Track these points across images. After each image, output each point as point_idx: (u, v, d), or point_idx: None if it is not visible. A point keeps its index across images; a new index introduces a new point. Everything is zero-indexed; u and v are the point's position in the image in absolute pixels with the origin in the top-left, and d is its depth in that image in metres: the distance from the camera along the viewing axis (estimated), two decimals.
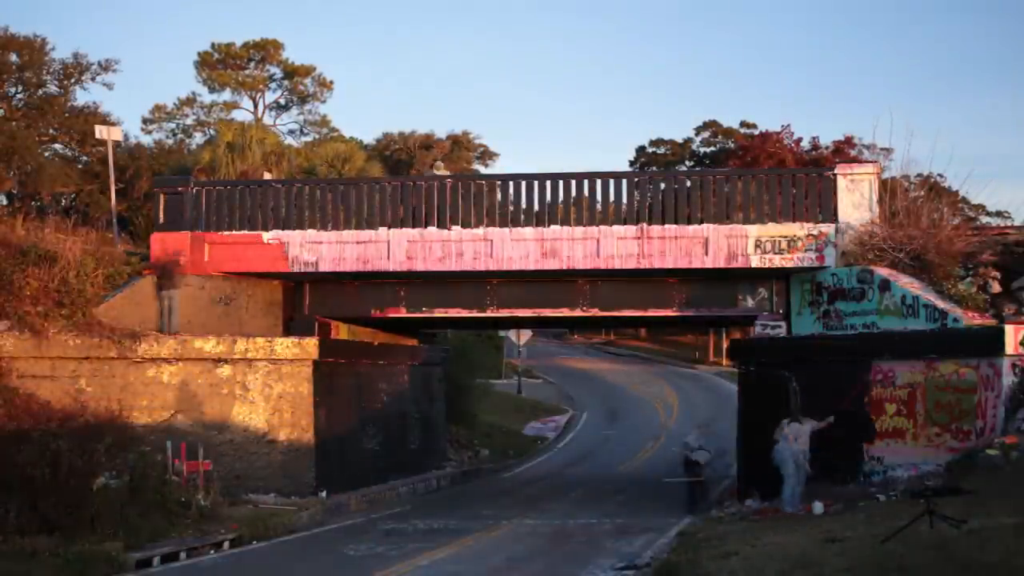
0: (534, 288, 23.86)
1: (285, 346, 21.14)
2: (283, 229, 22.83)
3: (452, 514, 21.02)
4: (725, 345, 52.94)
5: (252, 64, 55.76)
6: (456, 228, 22.44)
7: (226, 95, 54.79)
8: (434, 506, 22.93)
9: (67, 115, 38.09)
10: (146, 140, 47.98)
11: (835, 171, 22.08)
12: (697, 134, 66.08)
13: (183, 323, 21.86)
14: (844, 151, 48.21)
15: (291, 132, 56.78)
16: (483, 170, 61.99)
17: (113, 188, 28.33)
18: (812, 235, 21.46)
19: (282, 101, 57.32)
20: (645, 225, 21.99)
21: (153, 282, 21.98)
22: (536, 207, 22.66)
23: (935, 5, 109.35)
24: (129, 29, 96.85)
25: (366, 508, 21.88)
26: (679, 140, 67.38)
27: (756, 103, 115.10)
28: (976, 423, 16.57)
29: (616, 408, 49.55)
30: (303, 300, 24.65)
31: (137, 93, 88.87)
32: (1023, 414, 15.87)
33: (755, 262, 21.64)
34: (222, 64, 54.80)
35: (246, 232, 22.86)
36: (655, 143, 68.63)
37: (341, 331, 25.72)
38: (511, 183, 22.90)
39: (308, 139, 55.62)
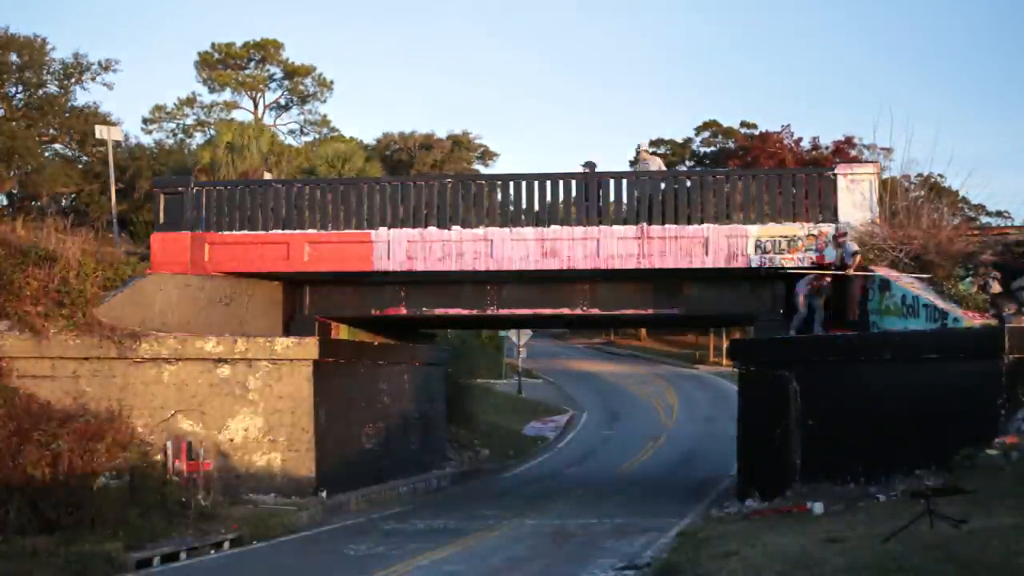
0: (534, 288, 23.87)
1: (285, 346, 21.13)
2: (283, 229, 22.82)
3: (452, 514, 21.01)
4: (725, 345, 52.96)
5: (252, 64, 55.83)
6: (456, 228, 22.43)
7: (226, 95, 54.90)
8: (434, 506, 22.93)
9: (67, 115, 38.10)
10: (146, 140, 48.05)
11: (835, 171, 22.09)
12: (697, 134, 66.19)
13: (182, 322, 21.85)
14: (844, 151, 48.26)
15: (291, 132, 56.89)
16: (483, 170, 62.00)
17: (113, 188, 28.34)
18: (812, 235, 21.47)
19: (282, 101, 57.40)
20: (645, 225, 21.99)
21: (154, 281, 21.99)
22: (536, 207, 22.66)
23: (935, 5, 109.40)
24: (129, 29, 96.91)
25: (366, 508, 21.87)
26: (679, 140, 67.48)
27: (756, 103, 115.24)
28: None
29: (616, 408, 49.55)
30: (303, 300, 24.66)
31: (137, 93, 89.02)
32: (1023, 414, 15.86)
33: (755, 262, 21.65)
34: (222, 64, 54.87)
35: (246, 232, 22.85)
36: (655, 143, 68.67)
37: (341, 331, 25.73)
38: (511, 183, 22.89)
39: (308, 139, 55.71)
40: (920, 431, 16.83)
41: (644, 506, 22.51)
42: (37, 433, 17.12)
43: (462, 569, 14.68)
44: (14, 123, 36.53)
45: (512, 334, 52.50)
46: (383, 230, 22.56)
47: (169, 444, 19.63)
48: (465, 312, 24.37)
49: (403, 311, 24.28)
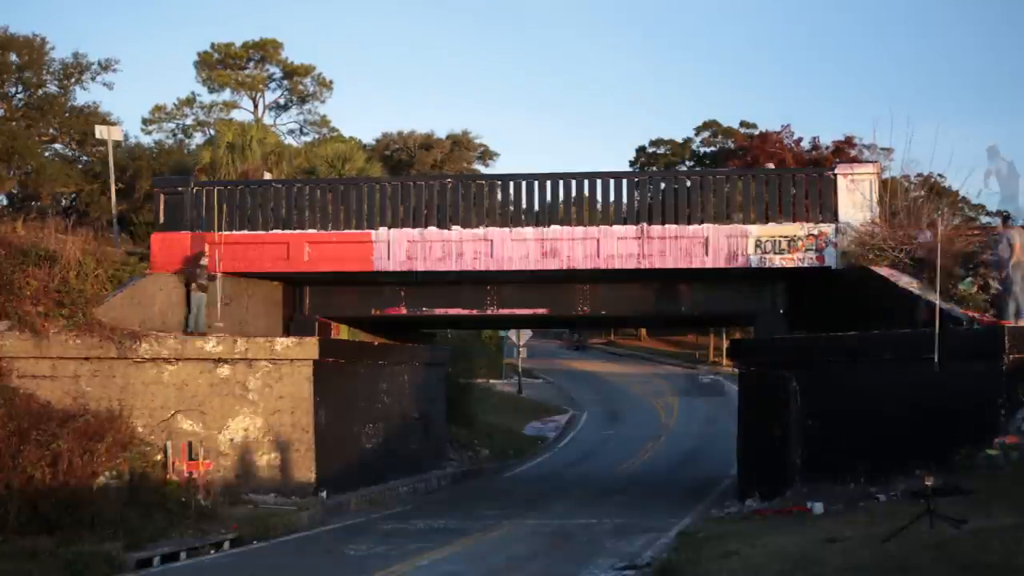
0: (534, 288, 23.87)
1: (285, 346, 21.12)
2: (283, 229, 22.83)
3: (452, 514, 21.00)
4: (725, 345, 52.97)
5: (252, 64, 55.77)
6: (456, 228, 22.43)
7: (226, 95, 54.80)
8: (434, 506, 22.92)
9: (67, 115, 38.09)
10: (146, 140, 47.99)
11: (835, 171, 22.09)
12: (697, 134, 66.19)
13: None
14: (844, 151, 48.28)
15: (291, 132, 56.82)
16: (483, 170, 62.00)
17: (113, 188, 28.32)
18: (812, 235, 21.46)
19: (282, 101, 57.34)
20: (645, 225, 21.99)
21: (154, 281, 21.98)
22: (536, 207, 22.66)
23: (935, 5, 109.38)
24: (129, 29, 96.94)
25: (366, 508, 21.86)
26: (679, 140, 67.51)
27: (756, 103, 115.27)
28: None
29: (616, 408, 49.55)
30: (303, 300, 24.66)
31: (137, 93, 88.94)
32: (1023, 414, 15.85)
33: (755, 262, 21.64)
34: (222, 64, 54.79)
35: (246, 232, 22.84)
36: (655, 143, 68.73)
37: (341, 331, 25.73)
38: (511, 183, 22.90)
39: (308, 139, 55.64)
40: (920, 431, 16.83)
41: (644, 506, 22.50)
42: (37, 433, 17.09)
43: (462, 569, 14.68)
44: (14, 123, 36.53)
45: (512, 334, 52.52)
46: (383, 230, 22.56)
47: (169, 444, 19.62)
48: (465, 312, 24.37)
49: (403, 311, 24.28)
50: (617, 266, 22.05)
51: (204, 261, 21.82)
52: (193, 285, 21.67)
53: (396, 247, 22.44)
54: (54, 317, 20.31)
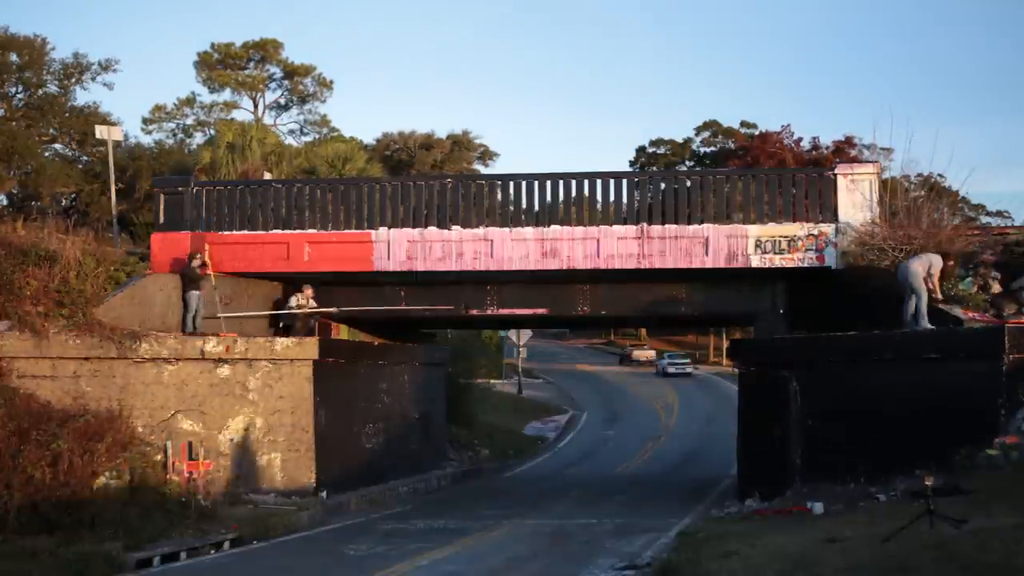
0: (534, 288, 23.87)
1: (285, 346, 21.11)
2: (283, 229, 22.83)
3: (452, 514, 21.00)
4: (725, 345, 53.02)
5: (252, 64, 55.89)
6: (456, 228, 22.43)
7: (226, 95, 54.98)
8: (434, 506, 22.92)
9: (67, 115, 38.14)
10: (146, 140, 48.14)
11: (835, 171, 22.09)
12: (697, 134, 66.35)
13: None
14: (844, 151, 48.40)
15: (291, 132, 56.94)
16: (483, 170, 62.08)
17: (113, 188, 28.32)
18: (812, 235, 21.47)
19: (282, 101, 57.44)
20: (645, 225, 21.99)
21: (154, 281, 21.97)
22: (536, 207, 22.67)
23: (935, 6, 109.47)
24: (129, 29, 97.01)
25: (366, 508, 21.85)
26: (679, 140, 67.64)
27: (756, 103, 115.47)
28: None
29: (616, 408, 49.60)
30: None
31: (137, 93, 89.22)
32: (1023, 414, 15.85)
33: (755, 262, 21.64)
34: (222, 64, 54.92)
35: (246, 232, 22.84)
36: (655, 143, 68.89)
37: (341, 331, 25.73)
38: (511, 183, 22.90)
39: (308, 139, 55.74)
40: (920, 431, 16.84)
41: (644, 506, 22.50)
42: (37, 433, 17.08)
43: (462, 569, 14.67)
44: (14, 123, 36.58)
45: (512, 334, 52.59)
46: (383, 230, 22.57)
47: (169, 444, 19.62)
48: (465, 312, 24.37)
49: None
50: (617, 266, 22.05)
51: (199, 260, 21.82)
52: (188, 284, 21.68)
53: (396, 247, 22.45)
54: (54, 317, 20.29)
